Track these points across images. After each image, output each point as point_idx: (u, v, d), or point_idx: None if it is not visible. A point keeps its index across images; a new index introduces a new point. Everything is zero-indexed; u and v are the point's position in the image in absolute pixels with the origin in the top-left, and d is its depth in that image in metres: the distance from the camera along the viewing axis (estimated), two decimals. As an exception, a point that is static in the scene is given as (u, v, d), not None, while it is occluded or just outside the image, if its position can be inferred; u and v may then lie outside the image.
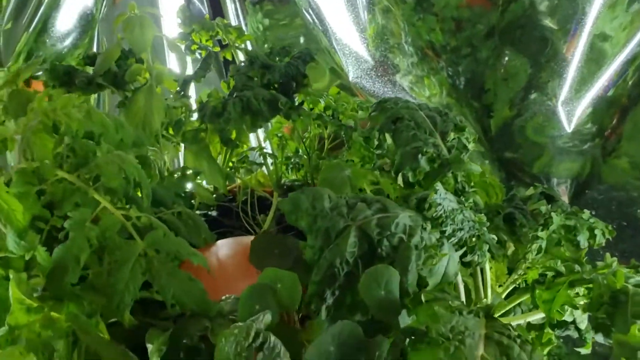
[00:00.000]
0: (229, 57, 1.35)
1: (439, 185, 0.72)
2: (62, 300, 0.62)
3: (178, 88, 1.18)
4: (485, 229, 0.76)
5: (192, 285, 0.65)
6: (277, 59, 1.22)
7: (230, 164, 1.30)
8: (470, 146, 0.88)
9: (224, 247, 1.07)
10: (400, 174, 0.89)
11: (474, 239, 0.75)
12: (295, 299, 0.64)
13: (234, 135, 1.22)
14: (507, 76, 1.66)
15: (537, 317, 0.83)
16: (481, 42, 1.66)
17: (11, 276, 0.59)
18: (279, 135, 1.27)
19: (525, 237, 0.89)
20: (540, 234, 0.84)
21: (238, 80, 1.08)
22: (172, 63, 1.74)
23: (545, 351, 0.94)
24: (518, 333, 0.61)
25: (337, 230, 0.68)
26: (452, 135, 0.88)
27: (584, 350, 0.89)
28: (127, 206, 0.70)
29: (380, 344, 0.62)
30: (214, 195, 1.26)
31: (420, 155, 0.84)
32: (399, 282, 0.65)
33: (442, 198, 0.72)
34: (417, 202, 0.74)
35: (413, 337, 0.59)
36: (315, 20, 1.71)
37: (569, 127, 1.47)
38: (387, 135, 0.95)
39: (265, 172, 1.32)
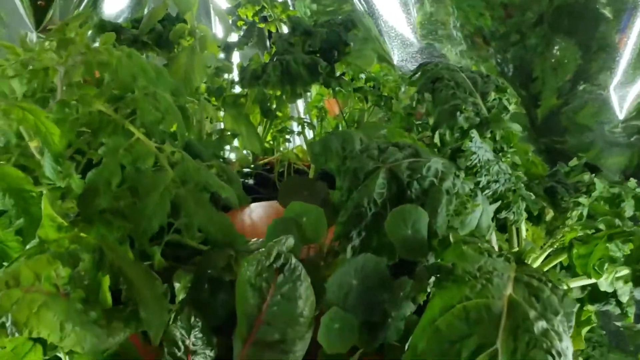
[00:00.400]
0: (273, 30, 1.36)
1: (474, 133, 0.70)
2: (92, 223, 0.63)
3: (221, 54, 1.19)
4: (522, 184, 0.74)
5: (219, 216, 0.65)
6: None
7: (269, 137, 1.30)
8: (511, 107, 0.85)
9: (257, 209, 1.08)
10: (437, 135, 0.87)
11: (509, 194, 0.73)
12: (320, 233, 0.64)
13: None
14: (556, 65, 1.62)
15: (575, 284, 0.79)
16: (530, 29, 1.63)
17: (44, 192, 0.60)
18: (319, 107, 1.27)
19: (566, 206, 0.85)
20: (582, 200, 0.81)
21: (279, 45, 1.09)
22: (218, 31, 1.77)
23: (584, 332, 0.90)
24: (550, 278, 0.58)
25: (366, 172, 0.67)
26: (492, 95, 0.86)
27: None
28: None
29: (406, 285, 0.61)
30: (252, 166, 1.28)
31: (458, 113, 0.82)
32: (428, 223, 0.63)
33: (478, 147, 0.70)
34: (451, 153, 0.73)
35: (438, 275, 0.58)
36: (363, 3, 1.71)
37: (620, 114, 1.41)
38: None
39: (304, 146, 1.32)
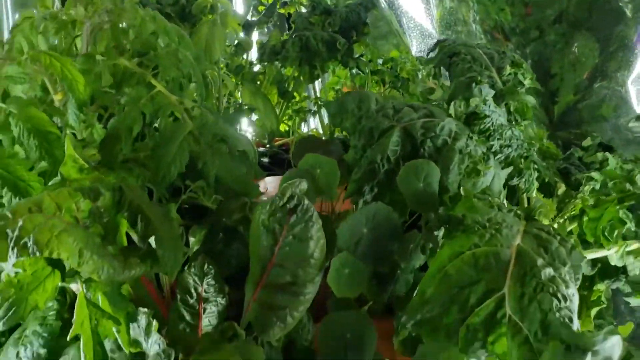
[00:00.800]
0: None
1: (488, 97, 0.71)
2: (112, 169, 0.65)
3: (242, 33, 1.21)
4: (534, 151, 0.74)
5: (235, 165, 0.67)
6: (340, 12, 1.24)
7: (286, 117, 1.32)
8: (527, 82, 0.86)
9: (271, 183, 1.09)
10: (453, 106, 0.88)
11: (521, 160, 0.73)
12: (332, 184, 0.65)
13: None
14: (575, 61, 1.62)
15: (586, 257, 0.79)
16: (550, 26, 1.64)
17: (67, 132, 0.62)
18: (336, 89, 1.28)
19: (578, 182, 0.86)
20: (594, 175, 0.81)
21: (299, 23, 1.11)
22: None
23: (594, 313, 0.90)
24: (559, 232, 0.59)
25: (380, 130, 0.68)
26: (508, 70, 0.87)
27: (634, 302, 0.84)
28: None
29: (416, 237, 0.62)
30: (268, 146, 1.29)
31: (474, 85, 0.83)
32: (439, 179, 0.64)
33: (491, 111, 0.71)
34: (466, 118, 0.74)
35: (448, 226, 0.58)
36: (383, -6, 1.73)
37: (638, 108, 1.42)
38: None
39: (320, 129, 1.34)
